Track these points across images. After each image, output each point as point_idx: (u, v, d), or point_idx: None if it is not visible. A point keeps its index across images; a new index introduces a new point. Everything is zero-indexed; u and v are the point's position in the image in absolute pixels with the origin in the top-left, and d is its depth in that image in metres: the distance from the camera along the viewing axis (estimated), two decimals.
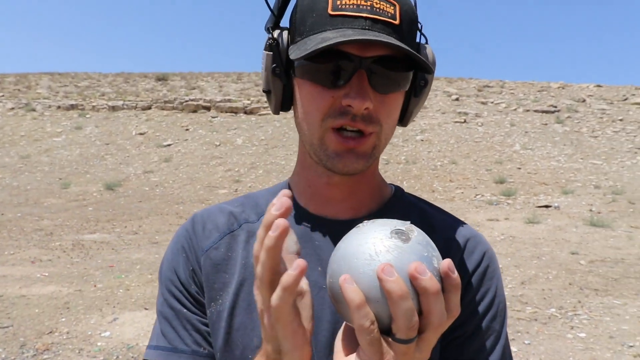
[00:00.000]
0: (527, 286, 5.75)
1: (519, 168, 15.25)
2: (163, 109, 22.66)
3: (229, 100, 22.80)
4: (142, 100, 23.66)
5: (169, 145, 18.38)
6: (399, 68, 0.72)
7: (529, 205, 11.02)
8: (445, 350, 0.77)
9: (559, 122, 20.37)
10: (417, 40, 0.79)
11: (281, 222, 0.51)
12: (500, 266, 0.74)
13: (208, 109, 22.75)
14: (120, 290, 5.68)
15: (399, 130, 16.12)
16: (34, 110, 23.08)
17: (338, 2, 0.69)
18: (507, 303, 5.08)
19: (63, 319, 4.87)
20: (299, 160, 0.85)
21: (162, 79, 29.48)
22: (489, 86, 28.05)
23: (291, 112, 0.83)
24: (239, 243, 0.82)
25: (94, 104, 23.43)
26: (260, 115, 22.28)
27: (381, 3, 0.70)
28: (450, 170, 15.24)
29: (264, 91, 0.81)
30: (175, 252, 0.85)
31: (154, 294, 5.39)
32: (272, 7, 0.79)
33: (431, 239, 0.62)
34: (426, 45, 0.80)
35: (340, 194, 0.81)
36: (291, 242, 0.57)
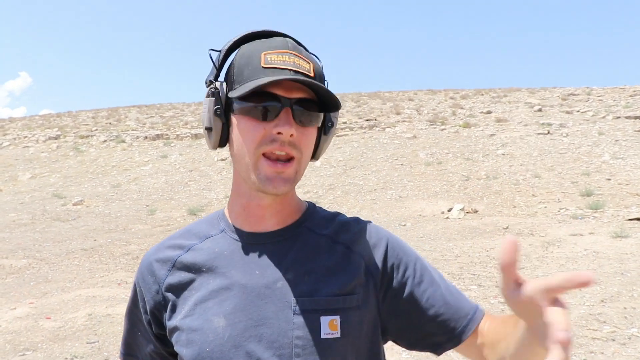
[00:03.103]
0: (608, 304, 5.44)
1: (609, 179, 14.43)
2: None
3: None
4: None
5: None
6: (313, 108, 0.95)
7: (617, 218, 10.40)
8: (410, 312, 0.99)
9: None
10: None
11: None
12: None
13: None
14: None
15: (478, 145, 15.72)
16: (123, 141, 24.69)
17: (269, 59, 0.91)
18: (583, 322, 4.87)
19: None
20: (233, 189, 1.04)
21: None
22: (574, 94, 26.86)
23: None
24: (189, 264, 1.01)
25: (177, 132, 24.76)
26: (337, 136, 22.55)
27: (300, 61, 0.93)
28: (533, 184, 14.68)
29: (205, 128, 0.99)
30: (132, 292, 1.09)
31: None
32: (215, 64, 1.00)
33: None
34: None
35: (269, 213, 1.01)
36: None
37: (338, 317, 0.94)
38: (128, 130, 26.69)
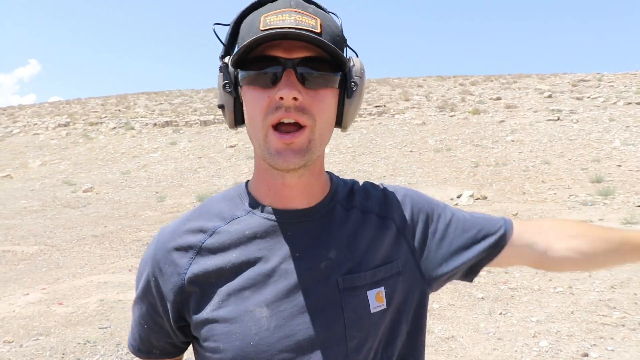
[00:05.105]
0: (617, 290, 5.42)
1: (619, 165, 14.32)
2: None
3: None
4: None
5: None
6: (324, 68, 0.85)
7: (628, 205, 10.33)
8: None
9: None
10: (345, 54, 0.91)
11: None
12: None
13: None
14: None
15: (488, 131, 15.57)
16: (132, 128, 24.76)
17: (267, 20, 0.83)
18: (593, 308, 4.86)
19: None
20: (255, 166, 0.96)
21: None
22: (585, 80, 26.59)
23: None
24: (216, 250, 0.91)
25: (186, 119, 24.78)
26: None
27: (303, 18, 0.83)
28: (542, 170, 14.60)
29: (218, 106, 0.94)
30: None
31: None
32: (222, 40, 0.93)
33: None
34: (354, 58, 0.94)
35: (297, 192, 0.92)
36: None
37: (382, 288, 0.92)
38: (137, 117, 26.75)
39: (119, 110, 30.20)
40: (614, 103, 21.40)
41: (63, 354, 4.52)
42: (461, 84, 29.73)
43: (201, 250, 0.91)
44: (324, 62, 0.85)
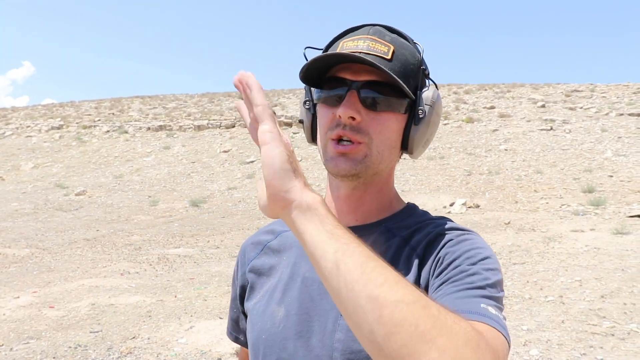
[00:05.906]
0: (607, 300, 5.46)
1: (611, 176, 14.44)
2: (246, 127, 23.43)
3: None
4: (226, 119, 24.67)
5: (251, 161, 18.99)
6: (389, 93, 0.88)
7: (619, 215, 10.41)
8: None
9: None
10: (422, 82, 0.95)
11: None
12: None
13: (290, 125, 23.28)
14: (199, 301, 5.99)
15: (481, 140, 15.57)
16: (126, 132, 24.70)
17: (344, 45, 0.90)
18: (583, 317, 4.88)
19: (145, 326, 5.22)
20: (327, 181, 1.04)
21: None
22: (577, 90, 26.78)
23: None
24: (274, 250, 1.04)
25: (180, 124, 24.73)
26: None
27: (376, 45, 0.89)
28: (535, 180, 14.70)
29: (299, 121, 1.06)
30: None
31: (228, 305, 5.65)
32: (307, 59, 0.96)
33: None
34: (430, 88, 0.96)
35: (347, 206, 0.96)
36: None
37: None
38: (131, 121, 26.70)
39: (113, 113, 30.12)
40: (607, 114, 21.57)
41: (54, 358, 4.51)
42: (455, 93, 29.87)
43: (265, 248, 1.05)
44: (389, 86, 0.88)
